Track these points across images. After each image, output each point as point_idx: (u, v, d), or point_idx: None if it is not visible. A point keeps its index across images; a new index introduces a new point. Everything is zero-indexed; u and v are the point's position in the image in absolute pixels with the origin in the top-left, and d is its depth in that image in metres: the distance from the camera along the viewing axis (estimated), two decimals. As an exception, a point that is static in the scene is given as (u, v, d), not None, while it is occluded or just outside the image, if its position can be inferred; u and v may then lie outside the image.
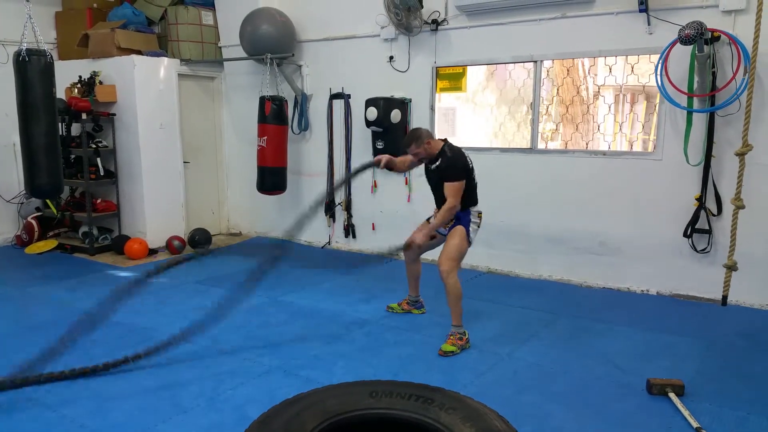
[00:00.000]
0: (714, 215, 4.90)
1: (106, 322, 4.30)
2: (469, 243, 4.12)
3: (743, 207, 4.06)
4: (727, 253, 4.78)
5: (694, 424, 2.97)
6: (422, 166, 4.35)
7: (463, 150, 4.16)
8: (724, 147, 4.80)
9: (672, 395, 3.28)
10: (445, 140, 4.18)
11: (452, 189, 3.99)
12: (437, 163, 4.11)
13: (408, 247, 4.30)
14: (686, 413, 3.08)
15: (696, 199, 4.92)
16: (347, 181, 5.08)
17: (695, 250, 5.00)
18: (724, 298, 4.16)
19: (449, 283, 4.00)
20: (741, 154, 3.99)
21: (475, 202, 4.17)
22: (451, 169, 4.03)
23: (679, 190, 5.01)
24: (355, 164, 6.70)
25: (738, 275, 4.46)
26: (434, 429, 2.22)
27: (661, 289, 5.22)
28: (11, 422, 3.02)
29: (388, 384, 2.51)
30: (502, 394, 3.34)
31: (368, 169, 4.53)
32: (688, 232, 4.97)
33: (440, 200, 4.19)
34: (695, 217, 4.94)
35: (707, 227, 4.92)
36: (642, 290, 5.30)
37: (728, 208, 4.82)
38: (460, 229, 4.09)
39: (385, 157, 4.42)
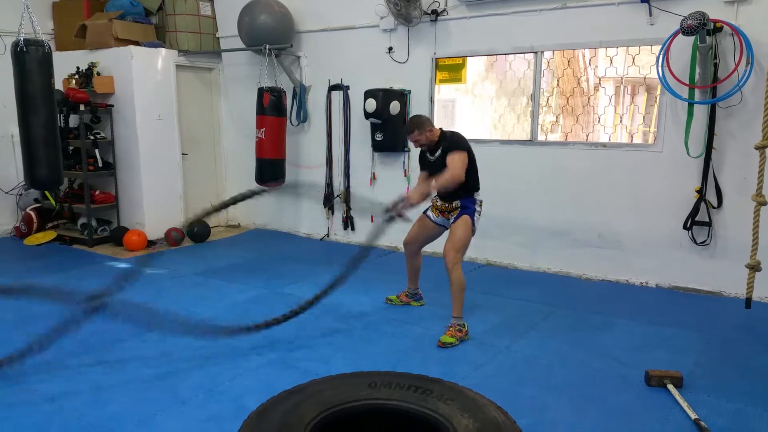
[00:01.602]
0: (714, 207, 4.88)
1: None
2: (473, 232, 4.12)
3: (765, 203, 3.88)
4: (729, 245, 4.80)
5: (692, 416, 2.97)
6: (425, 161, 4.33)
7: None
8: (725, 139, 4.78)
9: (670, 387, 3.28)
10: (441, 128, 4.19)
11: (457, 158, 3.95)
12: (439, 150, 4.10)
13: (399, 208, 4.08)
14: (684, 405, 3.08)
15: (696, 192, 4.91)
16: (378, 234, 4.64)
17: (695, 242, 4.99)
18: (748, 300, 3.99)
19: (454, 274, 3.99)
20: (762, 147, 3.79)
21: (478, 188, 4.16)
22: (454, 143, 4.03)
23: (679, 182, 5.00)
24: (353, 157, 6.69)
25: (737, 267, 4.45)
26: (433, 420, 2.22)
27: (660, 282, 5.22)
28: (10, 413, 3.02)
29: (386, 375, 2.50)
30: (501, 386, 3.34)
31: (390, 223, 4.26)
32: (688, 225, 4.96)
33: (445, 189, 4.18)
34: (695, 210, 4.92)
35: (707, 220, 4.91)
36: (641, 283, 5.29)
37: (729, 200, 4.82)
38: (466, 218, 4.07)
39: (403, 205, 4.10)
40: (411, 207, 4.11)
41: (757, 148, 3.80)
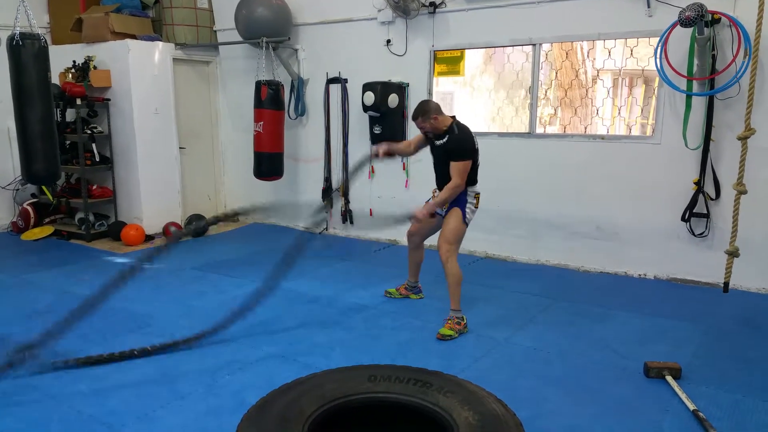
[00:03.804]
0: (712, 199, 4.89)
1: (103, 308, 4.29)
2: (466, 224, 4.11)
3: (745, 192, 3.98)
4: (727, 237, 4.79)
5: (691, 407, 2.98)
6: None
7: (470, 129, 4.13)
8: (723, 131, 4.78)
9: (669, 378, 3.29)
10: (453, 117, 4.14)
11: (458, 168, 3.95)
12: (444, 140, 4.07)
13: (411, 220, 4.23)
14: (683, 396, 3.09)
15: (694, 183, 4.91)
16: (347, 178, 4.89)
17: (693, 234, 5.00)
18: (726, 284, 4.10)
19: (448, 267, 4.00)
20: (743, 138, 3.90)
21: (474, 182, 4.14)
22: (459, 148, 3.99)
23: (677, 174, 5.00)
24: (352, 150, 6.68)
25: (736, 258, 4.44)
26: (433, 412, 2.23)
27: (658, 274, 5.23)
28: (9, 409, 3.02)
29: (386, 368, 2.51)
30: (500, 378, 3.35)
31: (367, 163, 4.39)
32: (686, 217, 4.97)
33: (441, 177, 4.16)
34: (693, 202, 4.93)
35: (705, 211, 4.92)
36: (640, 275, 5.30)
37: (727, 192, 4.82)
38: (455, 211, 4.06)
39: (382, 147, 4.28)
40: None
41: (739, 138, 3.86)
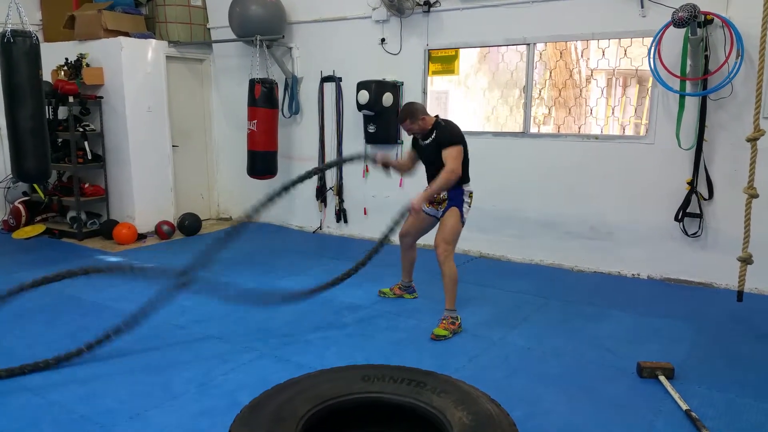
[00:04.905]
0: (705, 199, 4.91)
1: (95, 307, 4.27)
2: (463, 223, 4.11)
3: (757, 196, 3.80)
4: (720, 237, 4.83)
5: (684, 407, 2.99)
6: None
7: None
8: (716, 131, 4.80)
9: (662, 378, 3.30)
10: (437, 116, 4.15)
11: (452, 154, 3.93)
12: (432, 136, 4.07)
13: (409, 212, 4.20)
14: (676, 396, 3.10)
15: (687, 183, 4.93)
16: (338, 165, 5.21)
17: (686, 234, 5.01)
18: (740, 293, 3.96)
19: (446, 266, 3.99)
20: (752, 140, 3.75)
21: (467, 180, 4.14)
22: (449, 135, 4.00)
23: (670, 174, 5.02)
24: (346, 149, 6.66)
25: (728, 258, 4.45)
26: (427, 412, 2.23)
27: (652, 273, 5.24)
28: (1, 409, 2.99)
29: (380, 368, 2.51)
30: (494, 378, 3.35)
31: (359, 160, 4.59)
32: (680, 216, 4.98)
33: (433, 176, 4.15)
34: (686, 201, 4.95)
35: (698, 211, 4.94)
36: (633, 274, 5.32)
37: (720, 192, 4.84)
38: (454, 210, 4.06)
39: (380, 155, 4.44)
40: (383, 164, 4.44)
41: (748, 140, 3.80)
